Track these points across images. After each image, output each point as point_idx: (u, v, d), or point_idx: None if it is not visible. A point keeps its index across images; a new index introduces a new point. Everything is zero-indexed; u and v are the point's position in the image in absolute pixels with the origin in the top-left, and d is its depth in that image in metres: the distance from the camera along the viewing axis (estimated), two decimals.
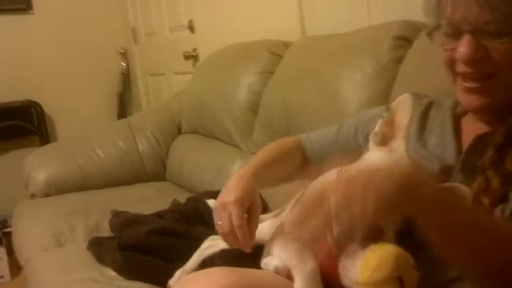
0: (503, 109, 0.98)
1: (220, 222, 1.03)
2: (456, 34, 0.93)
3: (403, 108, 0.95)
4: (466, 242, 0.78)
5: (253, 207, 1.05)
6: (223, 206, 1.04)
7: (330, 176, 1.09)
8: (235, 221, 1.01)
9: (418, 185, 0.77)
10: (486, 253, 0.78)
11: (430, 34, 1.01)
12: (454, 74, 0.98)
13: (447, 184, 0.96)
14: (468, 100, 0.97)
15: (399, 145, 0.94)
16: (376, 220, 0.75)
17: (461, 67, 0.95)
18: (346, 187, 0.76)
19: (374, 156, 0.96)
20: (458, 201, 0.82)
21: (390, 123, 0.97)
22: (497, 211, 0.90)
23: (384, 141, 0.97)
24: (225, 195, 1.06)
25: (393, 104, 0.96)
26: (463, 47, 0.92)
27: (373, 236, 0.83)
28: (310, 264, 0.93)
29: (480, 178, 0.92)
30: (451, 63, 0.97)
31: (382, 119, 0.97)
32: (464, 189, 0.94)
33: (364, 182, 0.75)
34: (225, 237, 1.03)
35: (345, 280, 0.86)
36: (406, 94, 0.97)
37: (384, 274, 0.80)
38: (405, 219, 0.86)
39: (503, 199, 0.90)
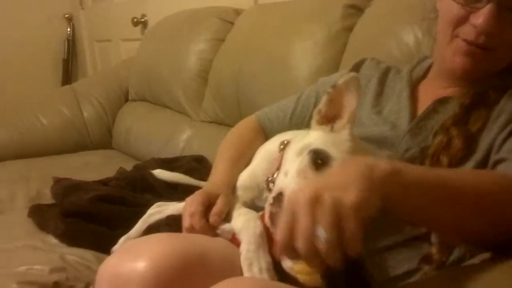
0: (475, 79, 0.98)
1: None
2: None
3: (352, 90, 0.90)
4: (441, 210, 0.72)
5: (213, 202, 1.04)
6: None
7: (270, 145, 1.09)
8: (190, 210, 1.02)
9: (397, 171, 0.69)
10: (460, 215, 0.74)
11: None
12: (453, 34, 0.95)
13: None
14: (461, 62, 0.95)
15: (343, 127, 0.91)
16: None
17: (469, 34, 0.92)
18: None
19: (314, 136, 0.93)
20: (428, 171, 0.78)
21: (336, 102, 0.92)
22: None
23: (326, 119, 0.94)
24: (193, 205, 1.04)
25: (341, 82, 0.91)
26: (486, 17, 0.88)
27: None
28: (258, 226, 0.93)
29: (442, 136, 0.92)
30: (458, 23, 0.94)
31: (327, 96, 0.92)
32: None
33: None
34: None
35: (282, 264, 0.86)
36: (355, 74, 0.92)
37: None
38: None
39: (462, 162, 0.90)
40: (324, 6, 1.70)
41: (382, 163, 0.69)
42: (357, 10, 1.61)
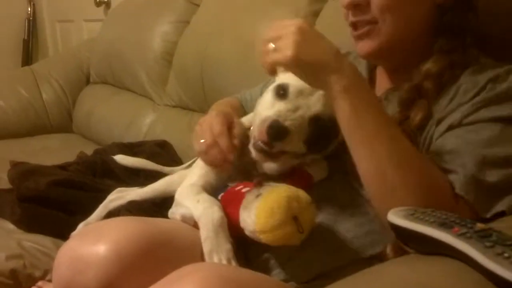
0: (398, 58, 0.99)
1: (201, 140, 0.99)
2: None
3: None
4: (372, 128, 0.81)
5: (232, 125, 1.02)
6: (204, 122, 1.02)
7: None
8: (216, 129, 0.98)
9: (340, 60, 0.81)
10: (388, 150, 0.81)
11: None
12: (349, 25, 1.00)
13: None
14: (359, 47, 0.99)
15: None
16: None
17: (349, 17, 0.97)
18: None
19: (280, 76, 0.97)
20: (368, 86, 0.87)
21: None
22: None
23: None
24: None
25: None
26: None
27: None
28: (216, 212, 0.92)
29: None
30: (346, 16, 0.99)
31: None
32: None
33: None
34: (207, 153, 0.99)
35: (246, 232, 0.88)
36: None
37: (278, 219, 0.83)
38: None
39: None
40: None
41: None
42: None
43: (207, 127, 1.00)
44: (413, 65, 0.96)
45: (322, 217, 0.94)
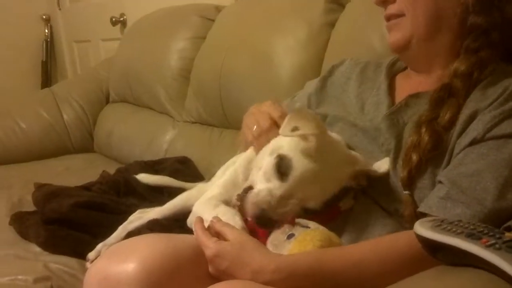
0: (423, 56, 1.00)
1: (254, 127, 1.02)
2: None
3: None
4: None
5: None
6: (258, 110, 1.05)
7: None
8: (277, 113, 1.01)
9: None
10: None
11: None
12: None
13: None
14: (388, 39, 1.03)
15: None
16: None
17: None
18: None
19: (287, 139, 0.95)
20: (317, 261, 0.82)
21: None
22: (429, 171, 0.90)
23: None
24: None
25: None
26: None
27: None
28: (237, 223, 0.92)
29: (413, 135, 0.92)
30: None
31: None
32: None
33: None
34: (260, 137, 1.01)
35: None
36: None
37: None
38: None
39: (431, 158, 0.90)
40: (305, 1, 1.69)
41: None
42: (338, 5, 1.59)
43: (265, 113, 1.02)
44: (438, 68, 0.99)
45: (347, 239, 0.93)
